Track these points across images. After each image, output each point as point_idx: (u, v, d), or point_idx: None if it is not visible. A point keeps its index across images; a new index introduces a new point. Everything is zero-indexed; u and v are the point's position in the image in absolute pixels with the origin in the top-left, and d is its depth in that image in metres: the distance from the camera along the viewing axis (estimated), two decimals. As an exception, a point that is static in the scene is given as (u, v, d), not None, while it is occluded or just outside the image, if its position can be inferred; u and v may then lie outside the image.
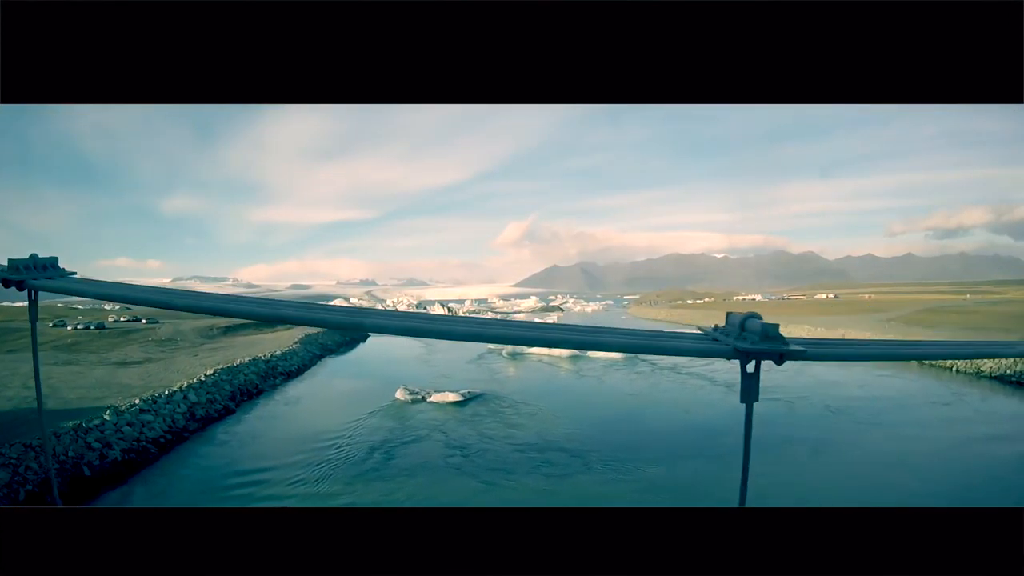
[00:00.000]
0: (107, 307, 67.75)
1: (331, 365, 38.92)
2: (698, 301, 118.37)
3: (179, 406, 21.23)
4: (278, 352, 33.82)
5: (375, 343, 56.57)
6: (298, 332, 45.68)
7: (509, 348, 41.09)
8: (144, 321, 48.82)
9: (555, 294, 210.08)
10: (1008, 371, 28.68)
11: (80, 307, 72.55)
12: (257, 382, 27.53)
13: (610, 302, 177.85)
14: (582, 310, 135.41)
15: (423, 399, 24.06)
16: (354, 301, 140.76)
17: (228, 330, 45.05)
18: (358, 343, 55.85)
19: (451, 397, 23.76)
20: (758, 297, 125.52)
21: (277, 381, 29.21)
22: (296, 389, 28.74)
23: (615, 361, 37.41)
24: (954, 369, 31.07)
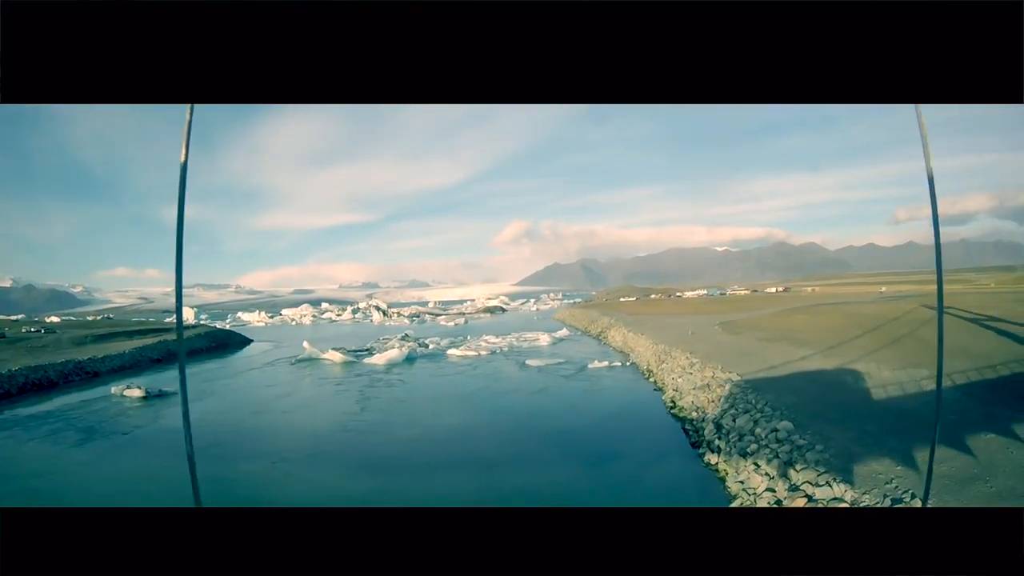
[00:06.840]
0: (16, 318, 78.76)
1: (169, 367, 47.45)
2: (630, 299, 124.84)
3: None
4: (99, 356, 43.28)
5: (255, 348, 65.71)
6: (152, 340, 55.20)
7: (306, 353, 46.19)
8: (43, 331, 58.70)
9: (551, 292, 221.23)
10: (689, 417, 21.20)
11: (16, 319, 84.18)
12: (54, 378, 36.97)
13: (578, 299, 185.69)
14: (528, 310, 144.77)
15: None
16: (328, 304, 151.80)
17: (100, 338, 54.65)
18: (236, 349, 64.92)
19: (137, 393, 30.31)
20: (688, 293, 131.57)
21: (76, 378, 38.61)
22: (94, 382, 38.13)
23: (393, 363, 40.95)
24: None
